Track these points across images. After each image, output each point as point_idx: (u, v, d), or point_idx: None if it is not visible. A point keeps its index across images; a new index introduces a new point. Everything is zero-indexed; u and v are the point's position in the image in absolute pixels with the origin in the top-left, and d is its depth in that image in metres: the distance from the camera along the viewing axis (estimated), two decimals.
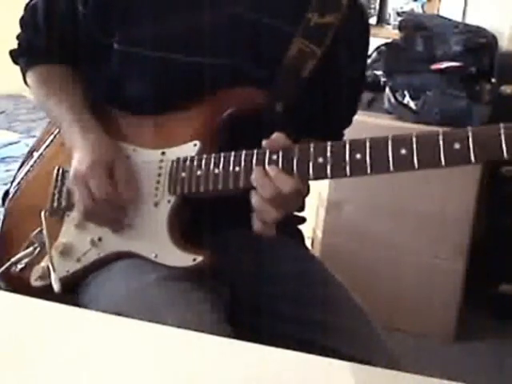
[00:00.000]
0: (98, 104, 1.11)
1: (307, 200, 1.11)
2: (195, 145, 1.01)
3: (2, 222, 1.16)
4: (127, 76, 1.09)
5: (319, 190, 2.31)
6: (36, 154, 1.18)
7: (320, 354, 0.76)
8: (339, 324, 1.02)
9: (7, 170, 3.13)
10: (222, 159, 0.97)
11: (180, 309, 0.93)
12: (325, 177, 0.90)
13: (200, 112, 1.04)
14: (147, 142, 1.05)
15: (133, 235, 1.03)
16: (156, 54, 1.06)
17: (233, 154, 0.96)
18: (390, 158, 0.86)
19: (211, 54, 1.04)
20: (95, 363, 0.73)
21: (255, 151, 0.94)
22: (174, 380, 0.72)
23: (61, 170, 1.10)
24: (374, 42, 2.49)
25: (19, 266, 1.08)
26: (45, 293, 1.02)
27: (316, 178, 0.91)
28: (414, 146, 0.84)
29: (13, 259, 1.08)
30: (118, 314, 0.86)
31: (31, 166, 1.17)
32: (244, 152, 0.95)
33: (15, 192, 1.17)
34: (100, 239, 1.04)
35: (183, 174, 1.00)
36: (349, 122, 1.23)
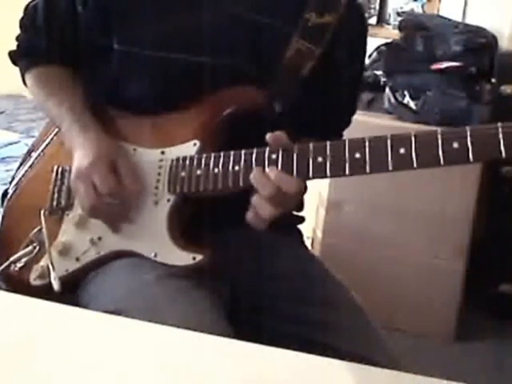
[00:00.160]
0: (98, 104, 1.11)
1: (307, 200, 1.12)
2: (195, 144, 1.02)
3: (1, 222, 1.16)
4: (127, 76, 1.10)
5: (319, 190, 2.31)
6: (34, 155, 1.18)
7: (320, 354, 0.76)
8: (339, 323, 1.02)
9: (7, 170, 3.13)
10: (221, 158, 0.97)
11: (180, 307, 0.93)
12: (324, 176, 0.90)
13: (199, 112, 1.04)
14: (147, 141, 1.05)
15: (132, 234, 1.03)
16: (156, 54, 1.06)
17: (232, 153, 0.96)
18: (389, 157, 0.86)
19: (211, 54, 1.05)
20: (95, 363, 0.73)
21: (255, 150, 0.95)
22: (173, 380, 0.72)
23: (60, 170, 1.11)
24: (374, 42, 2.50)
25: (18, 265, 1.08)
26: (44, 292, 1.02)
27: (315, 177, 0.91)
28: (413, 145, 0.84)
29: (12, 258, 1.08)
30: (118, 312, 0.86)
31: (30, 166, 1.17)
32: (243, 151, 0.95)
33: (14, 191, 1.17)
34: (100, 238, 1.04)
35: (183, 174, 1.00)
36: (348, 122, 1.24)
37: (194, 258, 0.98)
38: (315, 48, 1.06)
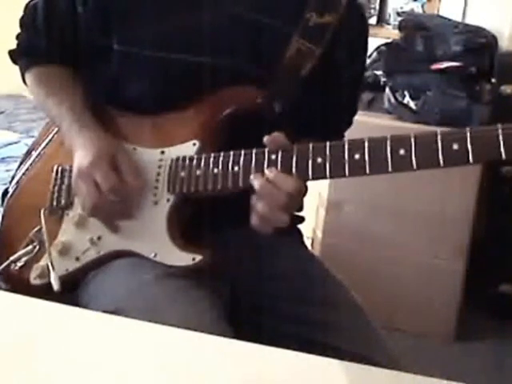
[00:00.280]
0: (98, 104, 1.11)
1: (307, 200, 1.11)
2: (194, 144, 1.02)
3: (2, 221, 1.16)
4: (127, 76, 1.10)
5: (319, 190, 2.31)
6: (34, 153, 1.18)
7: (320, 354, 0.76)
8: (339, 323, 1.02)
9: (7, 170, 3.13)
10: (221, 159, 0.97)
11: (180, 307, 0.93)
12: (324, 177, 0.90)
13: (199, 112, 1.04)
14: (147, 141, 1.05)
15: (132, 234, 1.03)
16: (156, 54, 1.06)
17: (232, 153, 0.96)
18: (389, 159, 0.86)
19: (211, 54, 1.04)
20: (95, 363, 0.73)
21: (254, 151, 0.95)
22: (173, 380, 0.72)
23: (60, 169, 1.11)
24: (374, 42, 2.50)
25: (19, 265, 1.08)
26: (44, 291, 1.02)
27: (315, 178, 0.91)
28: (413, 146, 0.84)
29: (12, 257, 1.08)
30: (118, 312, 0.86)
31: (30, 165, 1.17)
32: (243, 152, 0.95)
33: (14, 190, 1.17)
34: (99, 238, 1.04)
35: (182, 174, 1.00)
36: (349, 123, 1.23)
37: (193, 259, 0.98)
38: (315, 48, 1.06)
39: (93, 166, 0.99)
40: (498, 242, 2.37)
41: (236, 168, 0.95)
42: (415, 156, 0.84)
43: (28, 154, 1.20)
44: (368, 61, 2.42)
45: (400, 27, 2.52)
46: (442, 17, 2.72)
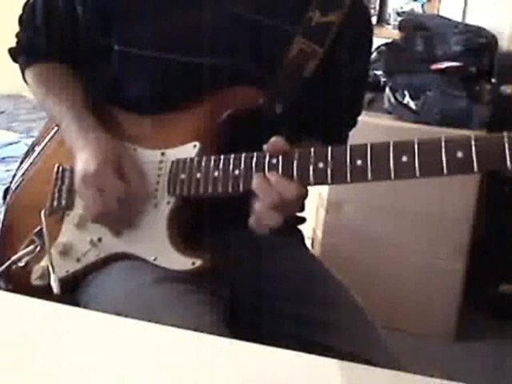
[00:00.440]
0: (99, 103, 1.11)
1: (307, 200, 1.11)
2: (195, 146, 1.01)
3: (4, 218, 1.16)
4: (127, 76, 1.09)
5: (319, 190, 2.31)
6: (38, 149, 1.17)
7: (320, 354, 0.76)
8: (339, 323, 1.02)
9: (7, 170, 3.13)
10: (221, 162, 0.96)
11: (178, 310, 0.93)
12: (325, 182, 0.89)
13: (199, 113, 1.04)
14: (147, 142, 1.05)
15: (132, 237, 1.02)
16: (155, 55, 1.06)
17: (232, 156, 0.95)
18: (392, 166, 0.84)
19: (211, 54, 1.04)
20: (95, 363, 0.73)
21: (255, 154, 0.94)
22: (173, 380, 0.72)
23: (60, 169, 1.10)
24: (374, 42, 2.49)
25: (20, 265, 1.08)
26: (45, 292, 1.01)
27: (316, 184, 0.90)
28: (416, 153, 0.83)
29: (13, 258, 1.08)
30: (117, 314, 0.86)
31: (31, 164, 1.17)
32: (244, 155, 0.94)
33: (15, 189, 1.17)
34: (100, 239, 1.04)
35: (182, 176, 1.00)
36: (353, 123, 1.22)
37: (193, 263, 0.97)
38: (318, 48, 1.04)
39: (99, 174, 0.98)
40: (498, 242, 2.37)
41: (237, 171, 0.94)
42: (418, 163, 0.82)
43: (31, 148, 1.20)
44: None
45: (400, 27, 2.52)
46: (442, 17, 2.72)
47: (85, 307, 0.98)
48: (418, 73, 2.31)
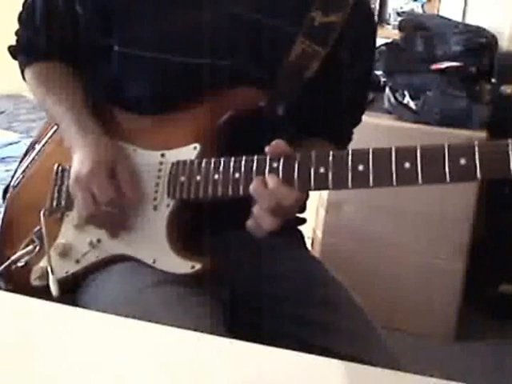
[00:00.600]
0: (99, 103, 1.11)
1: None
2: (195, 148, 1.00)
3: (4, 214, 1.16)
4: (127, 77, 1.09)
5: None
6: (38, 147, 1.17)
7: (320, 354, 0.76)
8: (339, 324, 1.02)
9: (7, 170, 3.13)
10: (221, 165, 0.95)
11: (177, 313, 0.93)
12: (326, 187, 0.88)
13: (200, 114, 1.03)
14: (147, 142, 1.05)
15: (132, 239, 1.02)
16: (156, 55, 1.05)
17: (233, 159, 0.95)
18: (394, 172, 0.83)
19: (211, 55, 1.03)
20: (95, 363, 0.73)
21: (256, 158, 0.93)
22: (173, 380, 0.72)
23: (60, 169, 1.10)
24: None
25: (19, 265, 1.08)
26: (45, 292, 1.01)
27: (317, 189, 0.90)
28: (419, 159, 0.82)
29: (13, 257, 1.08)
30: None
31: (30, 162, 1.16)
32: (244, 158, 0.94)
33: (17, 185, 1.16)
34: (99, 241, 1.04)
35: (182, 178, 0.99)
36: (357, 121, 1.22)
37: (192, 267, 0.96)
38: (321, 48, 1.03)
39: (91, 175, 0.98)
40: (498, 241, 2.37)
41: (237, 175, 0.94)
42: (421, 170, 0.81)
43: (31, 146, 1.19)
44: None
45: (400, 27, 2.52)
46: (442, 17, 2.72)
47: (84, 308, 0.98)
48: (418, 73, 2.31)
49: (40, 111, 1.21)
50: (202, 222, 1.01)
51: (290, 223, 1.13)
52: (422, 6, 3.13)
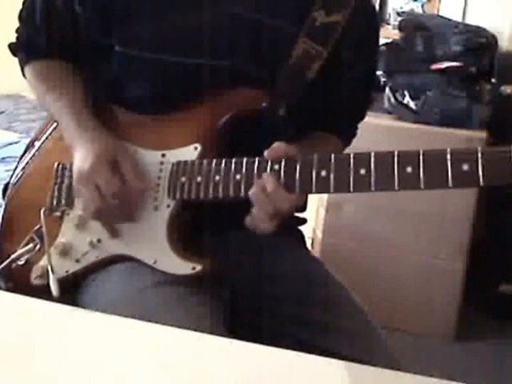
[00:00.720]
0: (99, 103, 1.11)
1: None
2: (196, 148, 1.00)
3: (4, 211, 1.15)
4: (127, 77, 1.09)
5: None
6: (37, 144, 1.17)
7: (320, 354, 0.76)
8: (339, 324, 1.02)
9: (7, 170, 3.13)
10: (222, 166, 0.95)
11: (177, 313, 0.93)
12: (327, 191, 0.87)
13: (201, 114, 1.03)
14: (148, 142, 1.04)
15: (132, 239, 1.02)
16: (156, 56, 1.05)
17: (234, 160, 0.94)
18: (396, 176, 0.83)
19: (211, 55, 1.03)
20: (95, 363, 0.73)
21: (257, 159, 0.93)
22: (173, 380, 0.72)
23: (60, 167, 1.09)
24: None
25: (19, 263, 1.08)
26: (45, 291, 1.01)
27: (318, 192, 0.89)
28: (421, 164, 0.81)
29: (13, 256, 1.08)
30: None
31: (30, 160, 1.16)
32: (245, 159, 0.93)
33: (16, 181, 1.16)
34: (99, 241, 1.03)
35: (183, 179, 0.99)
36: (361, 117, 1.21)
37: (193, 268, 0.96)
38: (323, 48, 1.03)
39: (93, 171, 0.98)
40: (498, 241, 2.37)
41: (238, 176, 0.93)
42: (423, 175, 0.81)
43: (31, 143, 1.19)
44: None
45: (400, 27, 2.52)
46: (442, 17, 2.72)
47: (84, 308, 0.98)
48: (418, 73, 2.31)
49: (40, 111, 1.21)
50: (203, 222, 1.01)
51: (291, 223, 1.14)
52: (422, 6, 3.14)
